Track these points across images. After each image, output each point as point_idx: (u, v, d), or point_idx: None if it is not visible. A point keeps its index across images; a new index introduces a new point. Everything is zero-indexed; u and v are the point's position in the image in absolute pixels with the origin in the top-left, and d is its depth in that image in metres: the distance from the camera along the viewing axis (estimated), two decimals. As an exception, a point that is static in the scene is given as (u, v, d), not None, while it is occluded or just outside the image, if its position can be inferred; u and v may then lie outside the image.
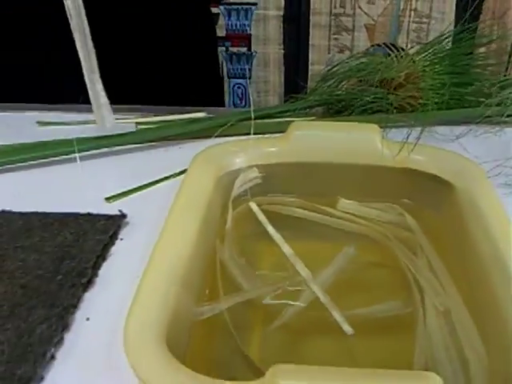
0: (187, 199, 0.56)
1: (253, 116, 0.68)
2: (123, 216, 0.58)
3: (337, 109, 0.74)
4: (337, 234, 0.64)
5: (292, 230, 0.64)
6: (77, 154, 0.65)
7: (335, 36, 1.47)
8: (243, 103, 1.53)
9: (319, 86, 0.76)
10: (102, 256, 0.53)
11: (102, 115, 0.68)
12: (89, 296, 0.48)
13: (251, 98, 1.32)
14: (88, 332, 0.44)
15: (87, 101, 0.79)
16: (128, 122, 0.75)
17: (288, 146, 0.66)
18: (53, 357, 0.43)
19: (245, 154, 0.65)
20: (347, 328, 0.50)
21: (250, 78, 1.39)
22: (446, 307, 0.52)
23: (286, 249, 0.59)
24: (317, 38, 1.48)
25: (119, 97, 0.79)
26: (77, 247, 0.54)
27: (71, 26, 0.64)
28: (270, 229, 0.62)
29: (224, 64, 1.47)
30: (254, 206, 0.65)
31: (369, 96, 0.72)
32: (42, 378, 0.41)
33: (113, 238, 0.56)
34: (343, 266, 0.57)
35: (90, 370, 0.41)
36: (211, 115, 0.76)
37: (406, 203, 0.66)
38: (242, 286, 0.56)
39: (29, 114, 0.81)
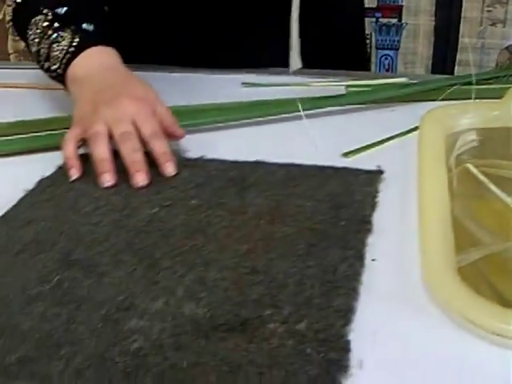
0: (431, 156, 0.60)
1: (474, 81, 0.71)
2: (381, 172, 0.62)
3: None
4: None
5: (508, 191, 0.66)
6: (303, 113, 0.70)
7: (489, 8, 1.47)
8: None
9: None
10: (372, 206, 0.57)
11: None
12: (370, 240, 0.52)
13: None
14: (379, 270, 0.49)
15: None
16: (339, 84, 0.79)
17: (505, 111, 0.69)
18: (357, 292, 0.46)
19: (465, 118, 0.68)
20: None
21: (398, 50, 1.41)
22: None
23: (515, 206, 0.62)
24: (469, 10, 1.48)
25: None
26: (347, 197, 0.57)
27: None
28: (494, 188, 0.65)
29: (373, 35, 1.48)
30: (471, 167, 0.68)
31: None
32: (354, 310, 0.45)
33: (377, 189, 0.59)
34: None
35: (391, 302, 0.46)
36: (414, 81, 0.79)
37: None
38: (482, 240, 0.59)
39: (232, 76, 0.87)
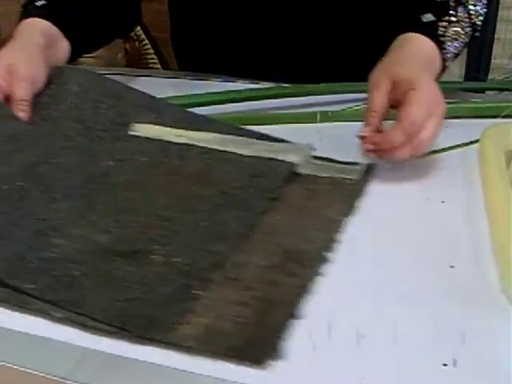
0: (496, 172, 0.63)
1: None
2: (310, 147, 0.69)
3: None
4: None
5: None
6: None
7: (522, 31, 1.51)
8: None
9: None
10: (284, 178, 0.64)
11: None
12: (448, 247, 0.55)
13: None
14: (458, 276, 0.51)
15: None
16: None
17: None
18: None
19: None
20: None
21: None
22: None
23: None
24: (503, 32, 1.51)
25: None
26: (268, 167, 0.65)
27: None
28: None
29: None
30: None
31: None
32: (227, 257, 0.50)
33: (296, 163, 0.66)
34: None
35: (475, 305, 0.48)
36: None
37: None
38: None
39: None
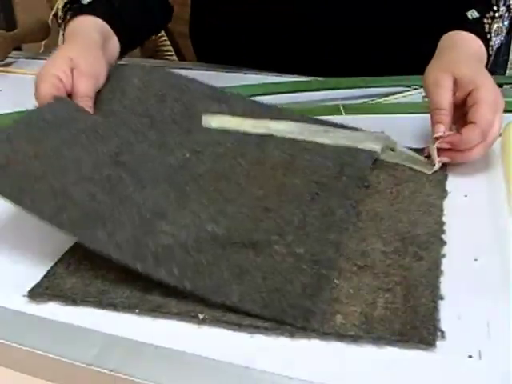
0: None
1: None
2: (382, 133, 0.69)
3: None
4: None
5: None
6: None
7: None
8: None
9: None
10: (371, 167, 0.65)
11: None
12: (471, 240, 0.55)
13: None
14: (482, 268, 0.51)
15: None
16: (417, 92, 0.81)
17: None
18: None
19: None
20: None
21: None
22: None
23: None
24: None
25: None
26: (351, 156, 0.66)
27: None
28: None
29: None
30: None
31: None
32: (345, 244, 0.54)
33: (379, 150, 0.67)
34: None
35: (498, 296, 0.48)
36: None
37: None
38: None
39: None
